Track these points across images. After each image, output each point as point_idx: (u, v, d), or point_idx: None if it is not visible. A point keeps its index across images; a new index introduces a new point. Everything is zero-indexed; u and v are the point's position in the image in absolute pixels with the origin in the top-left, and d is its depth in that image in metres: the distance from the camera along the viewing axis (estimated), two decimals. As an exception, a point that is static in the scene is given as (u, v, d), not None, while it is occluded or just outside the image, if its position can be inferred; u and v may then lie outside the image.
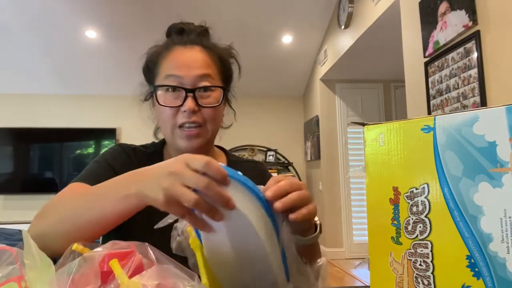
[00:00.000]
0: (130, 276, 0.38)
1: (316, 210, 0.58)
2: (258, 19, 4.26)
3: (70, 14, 4.01)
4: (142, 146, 0.89)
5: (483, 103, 1.88)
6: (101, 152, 0.84)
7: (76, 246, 0.44)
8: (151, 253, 0.42)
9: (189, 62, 0.77)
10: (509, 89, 1.75)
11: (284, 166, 5.43)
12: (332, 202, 4.73)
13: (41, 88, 5.09)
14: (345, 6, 3.78)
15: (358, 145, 4.81)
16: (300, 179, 5.36)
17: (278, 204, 0.48)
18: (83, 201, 0.60)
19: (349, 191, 4.75)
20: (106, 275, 0.38)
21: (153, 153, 0.87)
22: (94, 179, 0.68)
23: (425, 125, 0.44)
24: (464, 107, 2.01)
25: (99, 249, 0.42)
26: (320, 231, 0.64)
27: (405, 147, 0.45)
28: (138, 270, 0.39)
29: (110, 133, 5.20)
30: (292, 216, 0.50)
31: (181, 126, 0.77)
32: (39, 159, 5.17)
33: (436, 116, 0.43)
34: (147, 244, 0.44)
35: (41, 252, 0.39)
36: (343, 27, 3.87)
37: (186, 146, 0.78)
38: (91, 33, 4.31)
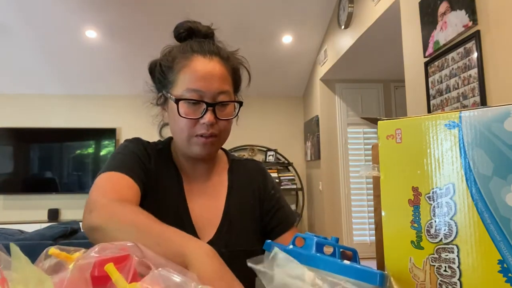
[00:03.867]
0: (131, 281, 0.37)
1: None
2: (258, 19, 4.25)
3: (70, 14, 4.00)
4: (153, 142, 0.94)
5: (483, 103, 1.88)
6: (120, 145, 0.89)
7: (52, 251, 0.42)
8: (146, 254, 0.42)
9: (210, 76, 0.79)
10: (509, 89, 1.75)
11: (284, 166, 5.42)
12: (332, 202, 4.73)
13: (41, 88, 5.08)
14: (345, 6, 3.78)
15: (358, 145, 4.81)
16: (300, 179, 5.37)
17: None
18: (148, 238, 0.60)
19: (349, 191, 4.74)
20: (100, 281, 0.37)
21: (162, 149, 0.91)
22: (128, 169, 0.76)
23: (449, 121, 0.40)
24: (464, 107, 2.01)
25: (91, 253, 0.40)
26: None
27: (426, 144, 0.41)
28: (135, 274, 0.38)
29: (110, 133, 5.19)
30: None
31: (197, 135, 0.81)
32: (39, 159, 5.17)
33: (462, 112, 0.39)
34: (138, 244, 0.44)
35: (35, 267, 0.38)
36: (343, 27, 3.87)
37: (200, 153, 0.82)
38: (91, 33, 4.30)
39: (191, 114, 0.79)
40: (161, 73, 0.84)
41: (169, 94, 0.82)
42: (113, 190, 0.72)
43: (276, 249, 0.43)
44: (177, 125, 0.82)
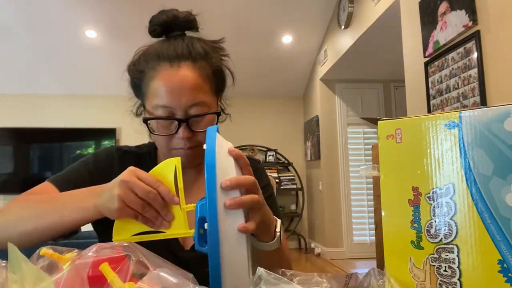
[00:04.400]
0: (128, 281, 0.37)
1: (268, 218, 0.60)
2: (258, 19, 4.25)
3: (70, 14, 4.01)
4: (137, 146, 0.88)
5: (483, 103, 1.88)
6: (94, 152, 0.85)
7: (44, 251, 0.42)
8: (142, 254, 0.41)
9: (178, 89, 0.71)
10: (509, 89, 1.75)
11: (284, 166, 5.42)
12: (332, 202, 4.73)
13: (41, 88, 5.08)
14: (345, 6, 3.78)
15: (358, 145, 4.81)
16: (300, 179, 5.37)
17: (226, 202, 0.50)
18: (45, 206, 0.66)
19: (349, 191, 4.74)
20: (96, 281, 0.37)
21: (145, 154, 0.85)
22: (67, 186, 0.73)
23: (449, 121, 0.40)
24: (464, 107, 2.01)
25: (88, 253, 0.40)
26: (279, 242, 0.64)
27: (426, 144, 0.41)
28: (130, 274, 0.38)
29: (110, 133, 5.19)
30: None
31: (176, 149, 0.76)
32: (39, 159, 5.17)
33: (462, 112, 0.39)
34: (134, 244, 0.43)
35: (34, 267, 0.38)
36: (343, 27, 3.87)
37: (184, 163, 0.73)
38: (91, 33, 4.30)
39: (165, 130, 0.73)
40: (133, 84, 0.79)
41: (142, 108, 0.78)
42: (29, 193, 0.73)
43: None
44: (155, 140, 0.78)
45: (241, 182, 0.51)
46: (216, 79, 0.78)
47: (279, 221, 0.66)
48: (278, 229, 0.64)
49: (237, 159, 0.55)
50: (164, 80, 0.71)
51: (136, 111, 0.83)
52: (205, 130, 0.72)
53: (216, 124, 0.76)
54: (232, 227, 0.49)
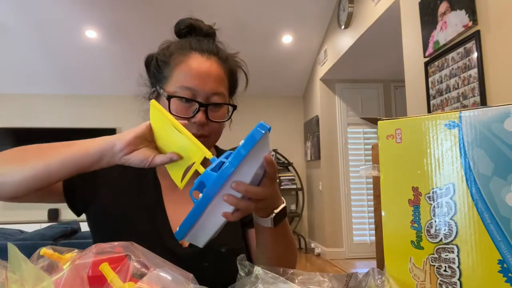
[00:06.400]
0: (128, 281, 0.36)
1: (271, 202, 0.64)
2: (258, 19, 4.25)
3: (70, 14, 4.01)
4: None
5: (483, 103, 1.88)
6: None
7: (44, 251, 0.42)
8: (142, 254, 0.41)
9: (205, 75, 0.77)
10: (509, 89, 1.75)
11: (284, 166, 5.42)
12: (332, 202, 4.73)
13: (41, 88, 5.08)
14: (345, 6, 3.78)
15: (358, 145, 4.81)
16: (300, 179, 5.37)
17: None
18: (56, 145, 0.70)
19: (349, 191, 4.74)
20: (96, 281, 0.37)
21: None
22: (66, 186, 0.75)
23: (449, 121, 0.40)
24: (464, 107, 2.01)
25: (88, 253, 0.40)
26: (276, 222, 0.66)
27: (426, 144, 0.41)
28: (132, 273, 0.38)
29: (110, 133, 5.14)
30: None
31: None
32: (39, 159, 5.17)
33: (462, 111, 0.39)
34: (133, 243, 0.43)
35: (33, 267, 0.38)
36: (343, 27, 3.87)
37: None
38: (91, 33, 4.30)
39: (183, 112, 0.76)
40: (156, 68, 0.82)
41: (162, 90, 0.79)
42: None
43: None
44: None
45: (249, 192, 0.56)
46: (232, 80, 0.86)
47: (282, 205, 0.67)
48: (276, 211, 0.65)
49: (266, 166, 0.57)
50: (195, 64, 0.78)
51: (149, 96, 0.85)
52: (219, 122, 0.79)
53: (230, 118, 0.83)
54: (219, 207, 0.56)
